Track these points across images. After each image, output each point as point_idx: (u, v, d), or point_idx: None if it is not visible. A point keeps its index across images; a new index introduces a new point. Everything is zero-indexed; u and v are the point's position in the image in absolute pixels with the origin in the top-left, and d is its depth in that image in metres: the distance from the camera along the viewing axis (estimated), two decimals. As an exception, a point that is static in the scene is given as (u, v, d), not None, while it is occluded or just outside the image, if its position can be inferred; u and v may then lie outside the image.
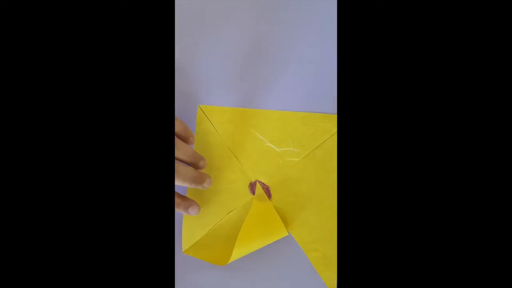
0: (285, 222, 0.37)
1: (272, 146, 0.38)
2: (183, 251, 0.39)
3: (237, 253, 0.35)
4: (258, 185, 0.38)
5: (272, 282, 0.37)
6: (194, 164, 0.37)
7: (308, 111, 0.38)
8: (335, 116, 0.37)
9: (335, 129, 0.37)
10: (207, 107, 0.40)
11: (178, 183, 0.35)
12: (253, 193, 0.38)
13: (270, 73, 0.40)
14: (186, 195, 0.40)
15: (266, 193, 0.38)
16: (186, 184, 0.35)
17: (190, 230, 0.40)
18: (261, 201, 0.38)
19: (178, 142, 0.35)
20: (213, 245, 0.38)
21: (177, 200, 0.36)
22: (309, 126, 0.38)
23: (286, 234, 0.37)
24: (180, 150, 0.35)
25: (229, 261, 0.35)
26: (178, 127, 0.36)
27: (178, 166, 0.35)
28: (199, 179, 0.37)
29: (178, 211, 0.36)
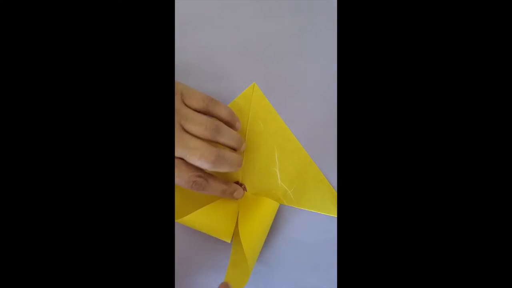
0: (271, 196, 0.38)
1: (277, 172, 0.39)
2: (176, 220, 0.36)
3: (237, 234, 0.36)
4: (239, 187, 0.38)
5: (273, 282, 0.37)
6: (238, 149, 0.37)
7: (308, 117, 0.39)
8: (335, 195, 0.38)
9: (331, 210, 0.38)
10: (257, 90, 0.41)
11: (225, 169, 0.34)
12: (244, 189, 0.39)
13: (270, 73, 0.40)
14: None
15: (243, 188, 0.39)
16: (233, 170, 0.35)
17: (184, 202, 0.38)
18: (246, 199, 0.38)
19: (224, 128, 0.35)
20: (212, 219, 0.37)
21: (222, 186, 0.35)
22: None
23: (278, 204, 0.38)
24: (226, 135, 0.35)
25: (231, 238, 0.36)
26: (223, 113, 0.36)
27: (226, 153, 0.34)
28: (231, 189, 0.36)
29: (224, 196, 0.36)
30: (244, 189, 0.39)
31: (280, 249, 0.37)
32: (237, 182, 0.39)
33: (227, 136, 0.35)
